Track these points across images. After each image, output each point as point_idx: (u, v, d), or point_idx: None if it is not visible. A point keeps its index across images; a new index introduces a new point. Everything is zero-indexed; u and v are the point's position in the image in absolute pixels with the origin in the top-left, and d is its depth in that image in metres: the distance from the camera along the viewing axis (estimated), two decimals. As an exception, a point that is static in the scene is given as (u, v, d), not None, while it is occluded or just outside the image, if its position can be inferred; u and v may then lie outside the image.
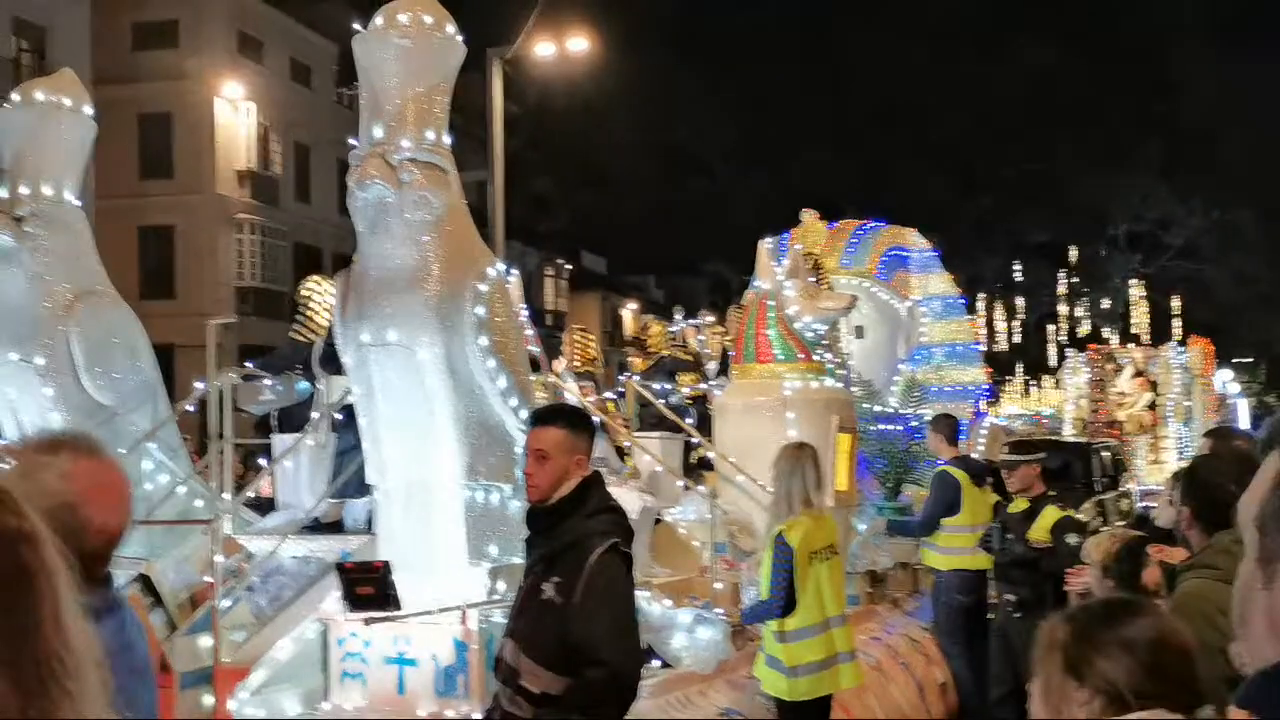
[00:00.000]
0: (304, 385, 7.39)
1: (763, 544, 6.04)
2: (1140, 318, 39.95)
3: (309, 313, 7.68)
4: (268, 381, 7.45)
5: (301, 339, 7.66)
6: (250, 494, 7.56)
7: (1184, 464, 16.88)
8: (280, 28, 33.69)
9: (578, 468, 3.65)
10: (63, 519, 1.87)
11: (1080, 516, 7.55)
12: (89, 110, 7.02)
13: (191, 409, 8.64)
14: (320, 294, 7.71)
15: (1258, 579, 1.22)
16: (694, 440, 9.18)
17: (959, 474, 8.59)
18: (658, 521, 8.10)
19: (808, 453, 5.98)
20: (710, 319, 14.02)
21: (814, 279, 8.88)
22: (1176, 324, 38.31)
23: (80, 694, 1.05)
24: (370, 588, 5.07)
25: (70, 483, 2.06)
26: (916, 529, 8.95)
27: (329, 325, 6.80)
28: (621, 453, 9.22)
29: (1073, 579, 5.59)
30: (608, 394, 10.24)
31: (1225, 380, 32.15)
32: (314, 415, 7.07)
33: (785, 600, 5.70)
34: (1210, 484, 3.20)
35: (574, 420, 3.80)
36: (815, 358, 8.81)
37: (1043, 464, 7.91)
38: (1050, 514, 7.37)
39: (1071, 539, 7.17)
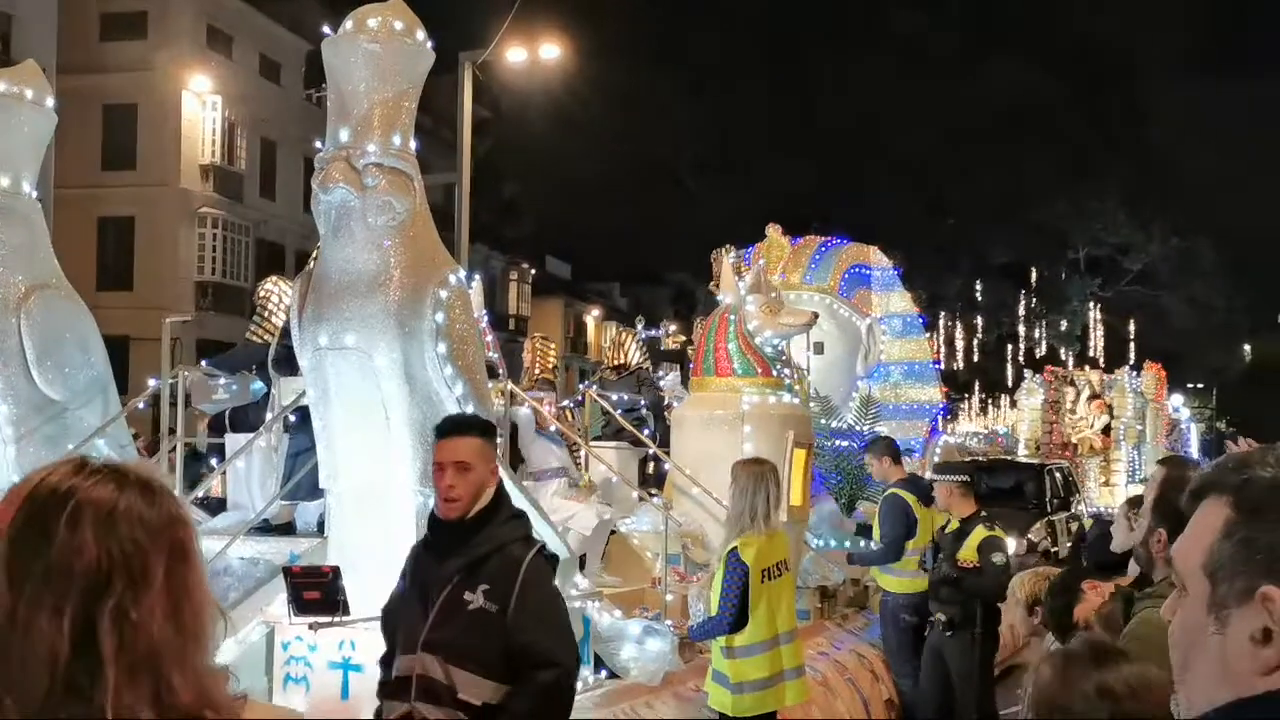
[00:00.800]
0: (259, 385, 7.35)
1: (716, 558, 6.02)
2: (1097, 341, 40.54)
3: (266, 312, 7.64)
4: (222, 380, 7.39)
5: (258, 339, 7.62)
6: (200, 494, 7.50)
7: (1135, 488, 16.99)
8: (250, 23, 33.46)
9: (493, 476, 3.62)
10: None
11: (999, 533, 7.64)
12: (50, 103, 6.95)
13: (144, 406, 8.55)
14: (279, 294, 7.68)
15: (1209, 625, 1.23)
16: (651, 451, 9.20)
17: (908, 496, 8.61)
18: (612, 532, 8.12)
19: (768, 469, 5.96)
20: (674, 327, 14.06)
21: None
22: (1132, 348, 38.91)
23: (214, 641, 1.40)
24: (317, 592, 5.04)
25: None
26: (881, 557, 8.81)
27: (284, 326, 6.77)
28: (576, 463, 9.24)
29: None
30: (565, 402, 10.25)
31: (1177, 405, 32.59)
32: (268, 416, 7.02)
33: (735, 617, 5.69)
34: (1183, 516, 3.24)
35: (486, 428, 3.75)
36: (774, 373, 8.86)
37: (976, 483, 8.07)
38: (979, 534, 7.44)
39: (997, 558, 7.36)
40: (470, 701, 3.38)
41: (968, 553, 7.39)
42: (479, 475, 3.57)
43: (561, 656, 3.46)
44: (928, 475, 10.58)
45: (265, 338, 7.54)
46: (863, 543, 9.51)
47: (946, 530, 7.66)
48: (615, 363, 10.71)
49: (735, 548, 5.70)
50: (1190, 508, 1.33)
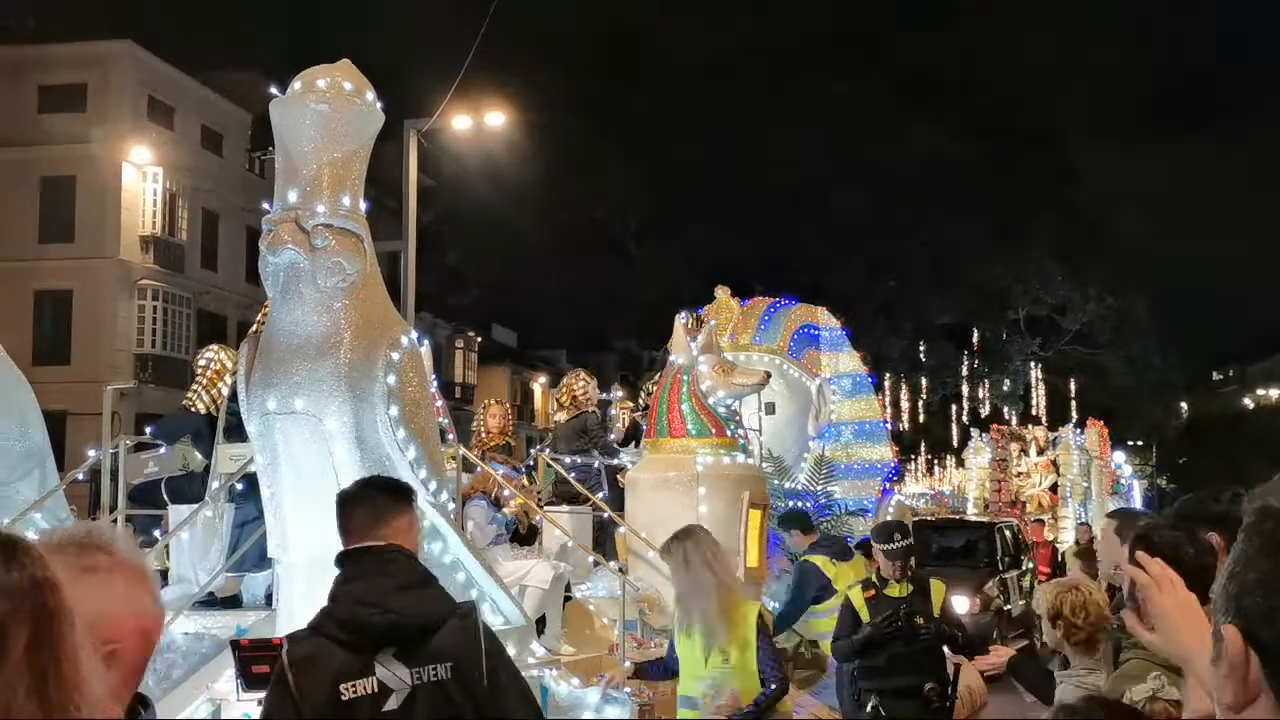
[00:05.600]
0: (198, 458, 7.14)
1: (713, 628, 5.48)
2: (1039, 400, 41.08)
3: (206, 381, 7.44)
4: (162, 451, 7.18)
5: (194, 408, 7.41)
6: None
7: (1079, 544, 16.92)
8: (192, 94, 33.34)
9: None
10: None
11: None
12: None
13: (82, 478, 8.31)
14: (220, 363, 7.49)
15: (1213, 654, 1.24)
16: (605, 515, 9.09)
17: (818, 559, 8.46)
18: (568, 598, 7.98)
19: (696, 534, 5.74)
20: (620, 394, 13.98)
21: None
22: (1073, 406, 39.45)
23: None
24: (267, 666, 4.85)
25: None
26: (777, 624, 8.79)
27: (232, 391, 6.62)
28: (533, 529, 9.08)
29: (984, 662, 5.57)
30: (518, 469, 10.11)
31: (1119, 462, 33.00)
32: (213, 485, 6.83)
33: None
34: (1168, 549, 3.21)
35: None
36: (728, 433, 8.82)
37: (928, 543, 7.95)
38: (939, 588, 6.90)
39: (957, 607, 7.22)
40: None
41: (938, 610, 6.77)
42: None
43: None
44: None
45: (200, 406, 7.34)
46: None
47: (889, 593, 6.70)
48: (565, 403, 10.47)
49: (760, 611, 5.56)
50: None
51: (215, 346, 8.05)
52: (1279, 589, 1.15)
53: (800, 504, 10.80)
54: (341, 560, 3.27)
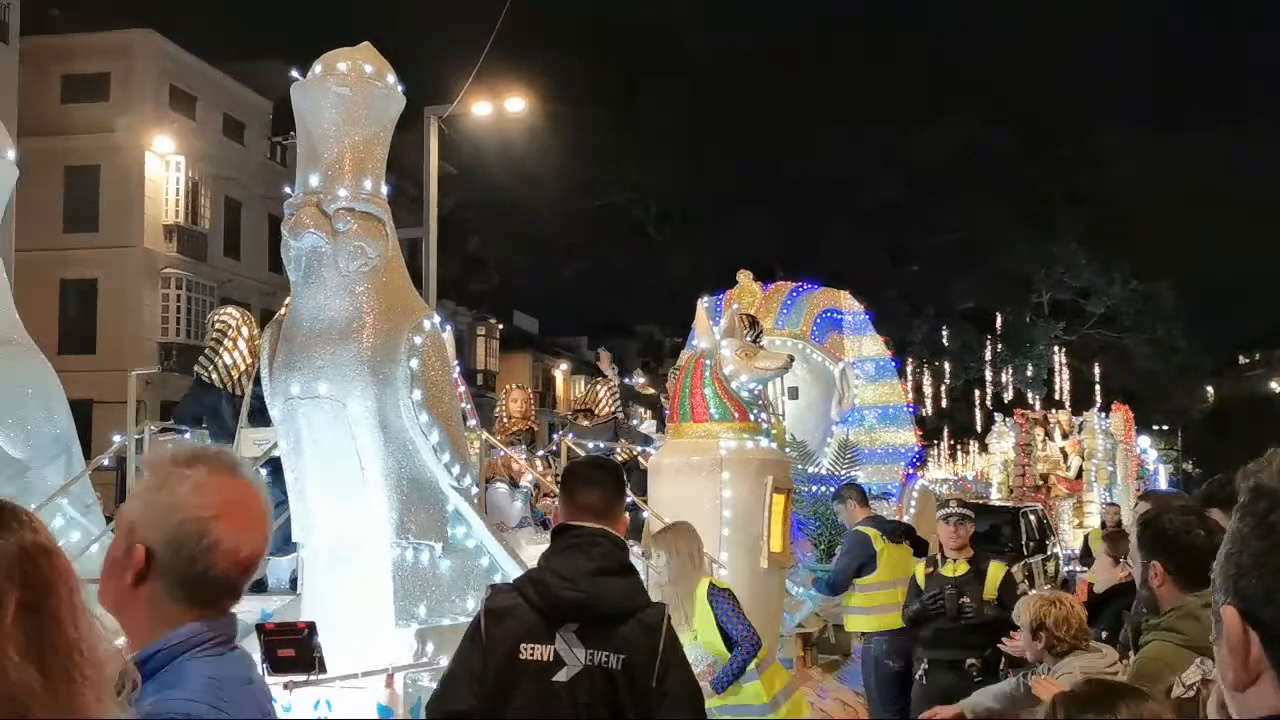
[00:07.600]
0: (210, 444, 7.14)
1: (686, 612, 5.73)
2: (1063, 384, 40.83)
3: (221, 349, 7.39)
4: (187, 436, 7.20)
5: (206, 376, 7.37)
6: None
7: (1106, 525, 16.80)
8: (214, 83, 33.44)
9: None
10: (187, 535, 1.82)
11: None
12: (11, 155, 6.84)
13: (108, 464, 8.35)
14: (236, 327, 7.44)
15: (1212, 633, 1.23)
16: (629, 499, 9.07)
17: (871, 531, 8.57)
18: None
19: (681, 529, 5.85)
20: (642, 379, 13.97)
21: (751, 337, 8.87)
22: (1097, 391, 39.20)
23: (97, 680, 1.26)
24: (292, 650, 4.86)
25: (201, 496, 1.86)
26: (826, 588, 8.95)
27: (256, 375, 6.62)
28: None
29: (1009, 643, 5.55)
30: (540, 452, 10.13)
31: (1144, 446, 32.76)
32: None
33: (758, 637, 5.54)
34: (1180, 534, 3.16)
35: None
36: (751, 418, 8.78)
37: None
38: (997, 570, 7.18)
39: (1018, 592, 7.20)
40: None
41: (990, 592, 7.08)
42: None
43: None
44: (905, 517, 10.52)
45: (215, 378, 7.32)
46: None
47: (944, 571, 7.20)
48: (584, 406, 10.62)
49: (710, 583, 5.60)
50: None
51: (231, 309, 7.95)
52: (1276, 569, 1.14)
53: (823, 489, 10.76)
54: (559, 532, 3.39)
